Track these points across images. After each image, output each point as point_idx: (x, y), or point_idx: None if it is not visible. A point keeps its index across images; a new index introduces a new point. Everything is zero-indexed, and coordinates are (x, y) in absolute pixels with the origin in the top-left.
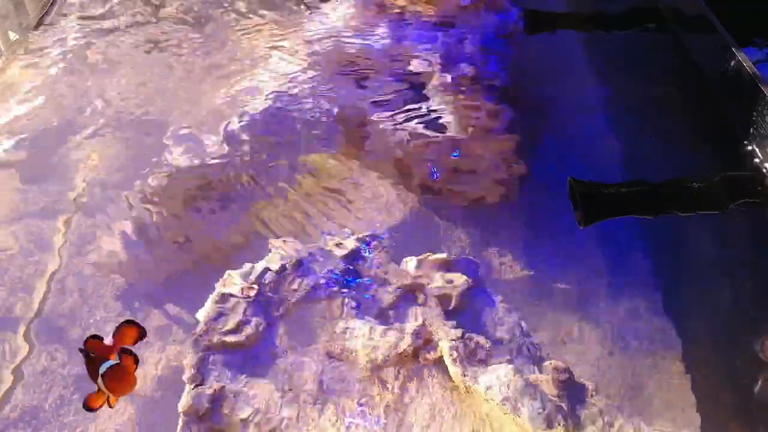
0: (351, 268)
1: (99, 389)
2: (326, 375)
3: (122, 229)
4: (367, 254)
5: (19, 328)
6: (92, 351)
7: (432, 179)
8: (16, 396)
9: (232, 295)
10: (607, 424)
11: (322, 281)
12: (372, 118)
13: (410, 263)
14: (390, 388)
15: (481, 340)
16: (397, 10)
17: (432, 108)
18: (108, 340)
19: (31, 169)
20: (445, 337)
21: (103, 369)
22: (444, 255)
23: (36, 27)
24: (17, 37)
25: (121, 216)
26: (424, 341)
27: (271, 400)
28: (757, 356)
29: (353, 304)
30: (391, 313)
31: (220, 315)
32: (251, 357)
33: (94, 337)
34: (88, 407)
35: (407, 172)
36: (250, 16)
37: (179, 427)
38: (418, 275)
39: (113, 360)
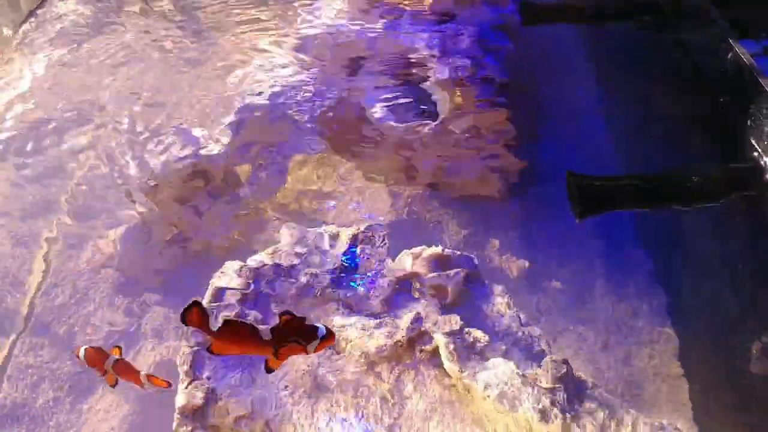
0: (346, 262)
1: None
2: (321, 370)
3: (117, 225)
4: (362, 248)
5: (10, 323)
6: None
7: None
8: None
9: (227, 291)
10: (605, 420)
11: (318, 276)
12: (367, 113)
13: (406, 257)
14: (386, 383)
15: (478, 334)
16: (393, 3)
17: (428, 102)
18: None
19: (26, 165)
20: (442, 332)
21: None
22: (440, 249)
23: (28, 22)
24: (10, 32)
25: (117, 212)
26: (420, 336)
27: (265, 396)
28: (757, 356)
29: (349, 298)
30: (386, 307)
31: (214, 311)
32: None
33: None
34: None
35: (403, 166)
36: (244, 11)
37: (175, 424)
38: (414, 269)
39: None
